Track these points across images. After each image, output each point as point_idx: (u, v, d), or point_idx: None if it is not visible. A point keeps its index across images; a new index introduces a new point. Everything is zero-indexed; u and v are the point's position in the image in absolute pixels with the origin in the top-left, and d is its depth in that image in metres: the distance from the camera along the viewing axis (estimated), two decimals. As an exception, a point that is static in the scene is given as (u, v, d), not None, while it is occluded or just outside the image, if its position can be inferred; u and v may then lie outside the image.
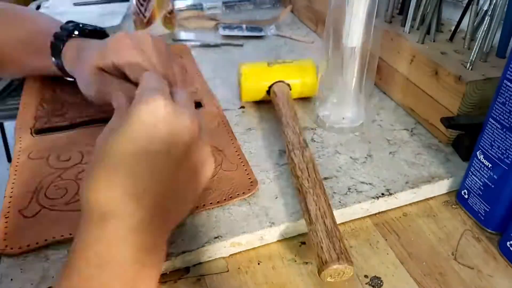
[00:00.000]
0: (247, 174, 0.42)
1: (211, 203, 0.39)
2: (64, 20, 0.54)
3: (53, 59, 0.50)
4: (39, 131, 0.48)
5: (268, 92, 0.52)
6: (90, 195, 0.28)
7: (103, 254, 0.27)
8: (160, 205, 0.30)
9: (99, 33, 0.53)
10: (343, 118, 0.49)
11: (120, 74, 0.44)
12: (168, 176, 0.31)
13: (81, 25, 0.52)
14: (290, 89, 0.52)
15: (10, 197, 0.39)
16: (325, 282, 0.33)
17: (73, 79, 0.50)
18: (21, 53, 0.53)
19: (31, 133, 0.48)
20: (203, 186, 0.36)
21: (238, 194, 0.40)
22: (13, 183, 0.41)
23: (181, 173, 0.32)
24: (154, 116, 0.30)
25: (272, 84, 0.52)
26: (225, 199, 0.39)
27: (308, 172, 0.39)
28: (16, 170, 0.42)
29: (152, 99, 0.31)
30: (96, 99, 0.47)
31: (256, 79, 0.52)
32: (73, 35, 0.51)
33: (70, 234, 0.36)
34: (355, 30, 0.44)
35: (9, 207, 0.38)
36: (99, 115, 0.50)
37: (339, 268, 0.31)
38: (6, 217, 0.37)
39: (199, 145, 0.34)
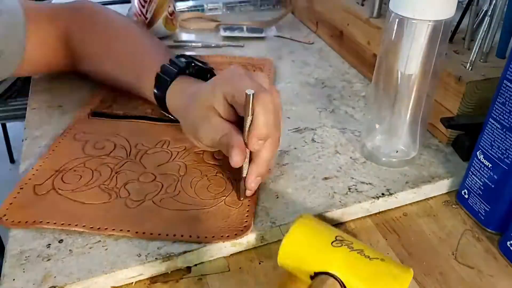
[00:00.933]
0: (247, 216, 0.38)
1: (190, 236, 0.36)
2: None
3: (156, 90, 0.47)
4: (96, 114, 0.52)
5: (312, 277, 0.32)
6: None
7: None
8: None
9: (207, 71, 0.49)
10: (396, 152, 0.44)
11: (232, 114, 0.40)
12: None
13: (193, 63, 0.48)
14: None
15: (37, 170, 0.43)
16: None
17: (171, 117, 0.48)
18: (120, 70, 0.52)
19: (88, 116, 0.51)
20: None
21: (222, 236, 0.36)
22: (46, 158, 0.44)
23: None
24: None
25: (320, 273, 0.31)
26: (206, 237, 0.36)
27: None
28: (54, 149, 0.46)
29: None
30: (203, 143, 0.42)
31: (304, 250, 0.33)
32: (185, 73, 0.47)
33: (62, 223, 0.37)
34: (413, 56, 0.39)
35: (30, 179, 0.42)
36: (155, 114, 0.51)
37: None
38: (21, 188, 0.40)
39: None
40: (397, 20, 0.38)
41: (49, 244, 0.36)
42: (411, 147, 0.45)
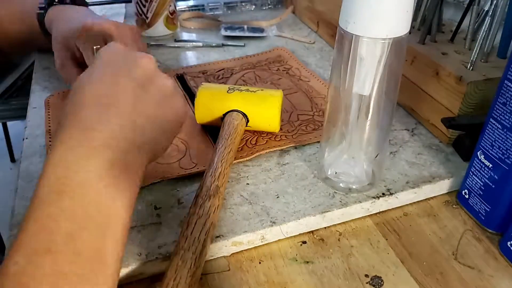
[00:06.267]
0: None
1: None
2: None
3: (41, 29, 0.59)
4: None
5: (223, 118, 0.46)
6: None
7: (65, 176, 0.27)
8: (132, 124, 0.31)
9: (78, 2, 0.62)
10: (355, 178, 0.41)
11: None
12: (136, 98, 0.32)
13: None
14: (248, 121, 0.46)
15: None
16: None
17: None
18: (12, 27, 0.62)
19: None
20: (178, 118, 0.36)
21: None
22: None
23: (150, 97, 0.34)
24: (112, 52, 0.36)
25: (227, 112, 0.46)
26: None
27: (194, 228, 0.33)
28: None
29: (112, 43, 0.37)
30: (59, 62, 0.55)
31: (210, 103, 0.47)
32: (54, 3, 0.59)
33: None
34: (366, 76, 0.35)
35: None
36: None
37: None
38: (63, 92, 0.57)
39: (159, 75, 0.36)
40: (346, 37, 0.34)
41: (50, 243, 0.36)
42: (369, 176, 0.41)
